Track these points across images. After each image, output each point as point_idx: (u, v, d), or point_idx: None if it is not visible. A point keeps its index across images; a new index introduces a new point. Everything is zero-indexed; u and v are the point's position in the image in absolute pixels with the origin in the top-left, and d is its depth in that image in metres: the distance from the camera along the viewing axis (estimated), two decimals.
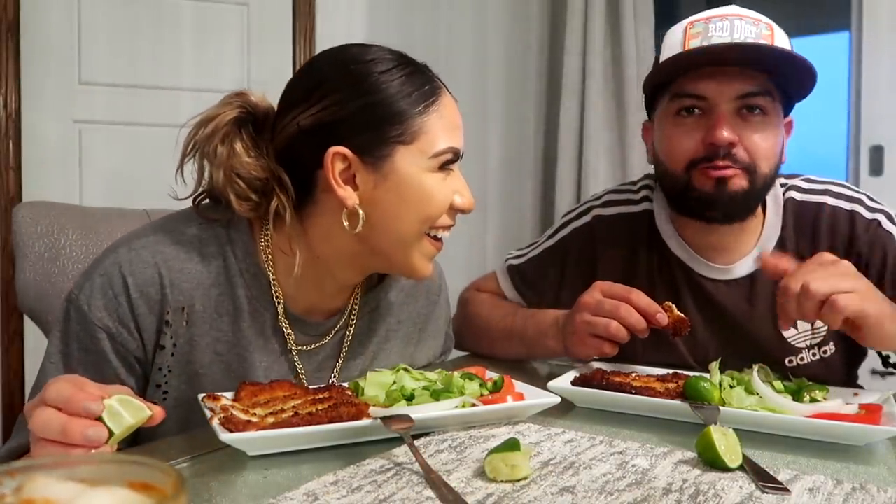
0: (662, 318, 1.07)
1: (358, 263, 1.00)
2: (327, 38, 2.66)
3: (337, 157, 0.92)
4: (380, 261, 1.00)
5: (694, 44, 1.13)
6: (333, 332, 1.06)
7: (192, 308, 0.95)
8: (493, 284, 1.45)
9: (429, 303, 1.19)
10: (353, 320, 1.08)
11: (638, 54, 2.67)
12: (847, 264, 0.99)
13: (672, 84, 1.17)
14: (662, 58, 1.19)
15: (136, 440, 0.89)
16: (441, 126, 0.95)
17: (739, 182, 1.13)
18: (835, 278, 0.95)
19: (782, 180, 1.27)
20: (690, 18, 1.18)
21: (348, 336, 1.07)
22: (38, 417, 0.70)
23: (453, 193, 0.99)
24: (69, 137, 2.30)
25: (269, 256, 0.99)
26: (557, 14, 2.87)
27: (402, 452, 0.79)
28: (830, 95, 2.51)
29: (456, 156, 0.98)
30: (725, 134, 1.11)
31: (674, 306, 1.07)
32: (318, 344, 1.04)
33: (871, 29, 2.41)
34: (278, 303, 0.99)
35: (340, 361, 1.07)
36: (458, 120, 0.99)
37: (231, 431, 0.77)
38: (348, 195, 0.93)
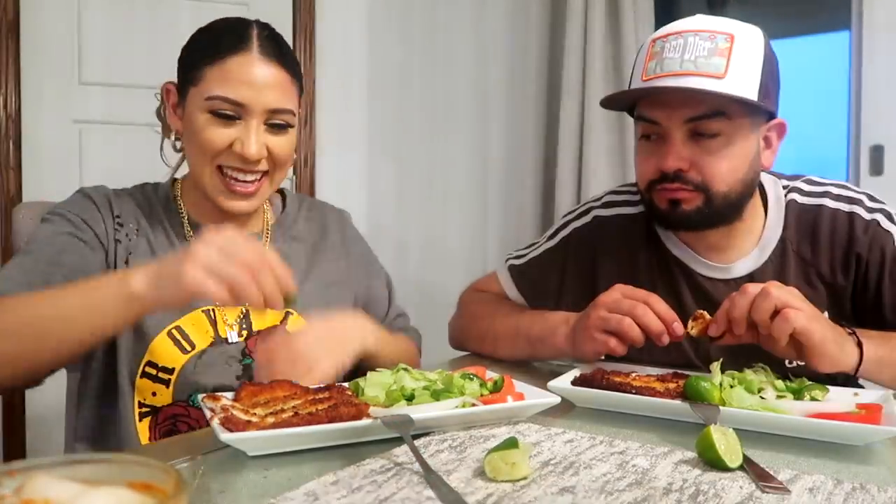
0: (679, 329, 1.07)
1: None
2: (327, 38, 2.66)
3: (170, 91, 1.17)
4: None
5: (651, 65, 1.15)
6: None
7: (137, 225, 1.16)
8: (494, 285, 1.45)
9: (342, 232, 1.34)
10: (267, 245, 1.22)
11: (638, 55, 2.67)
12: (798, 293, 1.01)
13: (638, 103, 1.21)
14: (634, 73, 1.21)
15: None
16: (217, 75, 1.08)
17: (693, 202, 1.16)
18: (791, 295, 1.00)
19: (784, 182, 1.27)
20: (657, 33, 1.19)
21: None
22: None
23: (232, 138, 1.09)
24: (69, 137, 2.30)
25: (180, 184, 1.23)
26: (557, 14, 2.87)
27: (402, 452, 0.79)
28: (830, 95, 2.51)
29: (231, 105, 1.07)
30: (671, 162, 1.14)
31: (706, 314, 1.07)
32: None
33: (870, 29, 2.40)
34: (182, 215, 1.19)
35: None
36: (245, 76, 1.08)
37: (231, 431, 0.77)
38: (174, 123, 1.17)
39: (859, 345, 1.03)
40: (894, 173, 2.38)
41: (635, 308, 1.07)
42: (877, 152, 2.41)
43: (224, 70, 1.07)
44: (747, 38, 1.13)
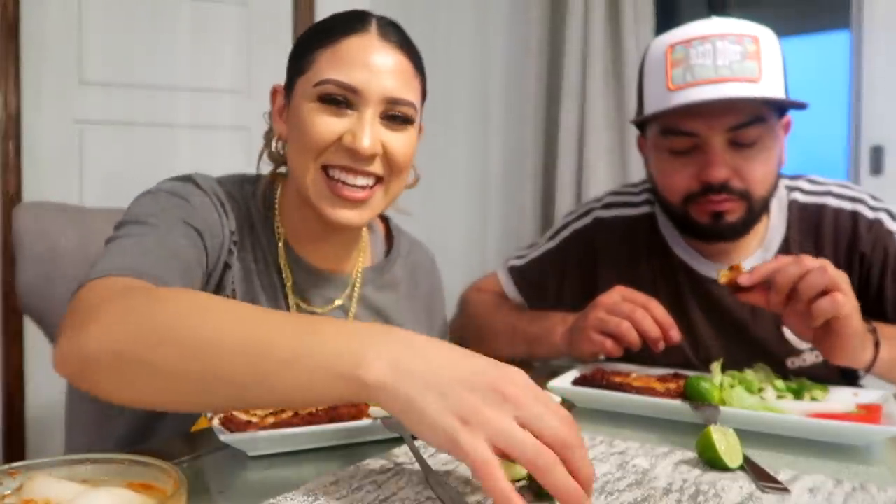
0: (676, 335, 1.06)
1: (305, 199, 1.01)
2: None
3: (277, 92, 1.03)
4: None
5: (677, 73, 1.11)
6: (332, 306, 1.07)
7: (240, 240, 1.01)
8: (494, 285, 1.45)
9: (430, 282, 1.23)
10: (356, 286, 1.09)
11: (638, 55, 2.67)
12: (848, 280, 0.97)
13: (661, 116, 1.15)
14: (647, 84, 1.17)
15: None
16: (330, 58, 0.93)
17: (737, 212, 1.14)
18: (844, 282, 0.95)
19: (787, 182, 1.27)
20: (670, 39, 1.15)
21: (351, 309, 1.08)
22: None
23: (342, 131, 0.93)
24: (69, 137, 2.29)
25: (279, 190, 1.06)
26: (557, 15, 2.87)
27: (402, 452, 0.79)
28: (830, 95, 2.51)
29: (344, 89, 0.92)
30: (719, 173, 1.10)
31: (742, 266, 1.03)
32: (319, 308, 1.05)
33: (870, 28, 2.40)
34: (278, 236, 1.04)
35: None
36: (362, 58, 0.92)
37: (231, 431, 0.77)
38: (279, 127, 1.03)
39: (877, 345, 1.02)
40: (894, 173, 2.38)
41: (634, 312, 1.07)
42: (877, 152, 2.41)
43: (337, 52, 0.93)
44: (768, 39, 1.13)
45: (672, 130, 1.14)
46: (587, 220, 1.37)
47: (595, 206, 1.38)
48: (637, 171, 2.66)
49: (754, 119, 1.11)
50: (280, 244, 1.03)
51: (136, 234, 0.87)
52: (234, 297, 0.98)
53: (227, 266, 0.98)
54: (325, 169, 0.95)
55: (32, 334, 2.11)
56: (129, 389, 0.68)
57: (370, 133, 0.92)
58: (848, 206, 1.21)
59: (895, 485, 0.73)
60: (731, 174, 1.11)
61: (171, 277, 0.82)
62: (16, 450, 2.18)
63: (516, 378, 0.61)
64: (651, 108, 1.16)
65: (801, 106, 1.13)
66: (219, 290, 0.98)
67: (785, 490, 0.71)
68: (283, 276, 1.03)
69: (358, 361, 0.61)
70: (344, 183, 0.94)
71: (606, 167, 2.70)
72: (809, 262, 0.96)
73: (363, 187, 0.95)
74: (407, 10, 2.79)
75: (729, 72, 1.09)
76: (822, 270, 0.94)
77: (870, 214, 1.20)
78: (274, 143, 1.06)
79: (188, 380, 0.65)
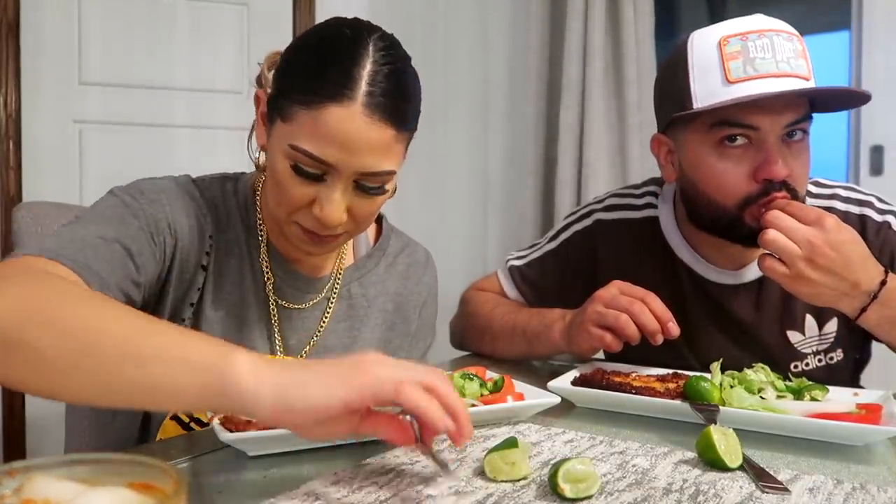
0: (674, 328, 1.06)
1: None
2: None
3: (260, 99, 0.98)
4: None
5: (735, 66, 1.08)
6: (313, 302, 1.07)
7: (217, 242, 1.01)
8: (494, 285, 1.45)
9: (425, 281, 1.19)
10: (336, 286, 1.09)
11: (638, 54, 2.67)
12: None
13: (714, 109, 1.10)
14: (695, 78, 1.12)
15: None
16: (308, 123, 0.88)
17: None
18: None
19: None
20: (720, 32, 1.11)
21: (330, 304, 1.09)
22: None
23: (313, 196, 0.91)
24: (69, 137, 2.29)
25: (260, 186, 1.06)
26: (557, 14, 2.87)
27: (402, 452, 0.79)
28: None
29: (317, 163, 0.89)
30: (782, 169, 1.07)
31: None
32: (298, 305, 1.06)
33: (870, 28, 2.40)
34: (261, 237, 1.04)
35: (323, 328, 1.08)
36: (340, 135, 0.87)
37: (231, 431, 0.77)
38: (259, 136, 0.99)
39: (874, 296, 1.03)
40: (894, 173, 2.38)
41: (632, 305, 1.07)
42: (877, 152, 2.41)
43: (317, 122, 0.87)
44: (803, 39, 1.13)
45: (730, 123, 1.09)
46: (588, 221, 1.37)
47: (596, 208, 1.38)
48: (637, 170, 2.66)
49: (806, 117, 1.11)
50: (263, 243, 1.04)
51: (77, 223, 0.89)
52: (201, 298, 0.99)
53: (202, 267, 0.99)
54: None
55: None
56: (9, 370, 0.69)
57: (337, 207, 0.91)
58: (855, 209, 1.21)
59: (895, 485, 0.73)
60: (788, 171, 1.09)
61: (98, 266, 0.83)
62: (16, 450, 2.18)
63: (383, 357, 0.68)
64: (705, 101, 1.10)
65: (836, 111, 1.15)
66: (190, 287, 0.98)
67: (785, 490, 0.71)
68: (266, 275, 1.04)
69: (225, 355, 0.65)
70: (314, 232, 0.95)
71: (606, 166, 2.70)
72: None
73: (332, 236, 0.96)
74: (407, 8, 2.79)
75: (788, 67, 1.07)
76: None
77: (878, 218, 1.20)
78: (255, 146, 1.03)
79: (60, 359, 0.66)
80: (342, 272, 1.11)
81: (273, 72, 0.96)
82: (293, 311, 1.06)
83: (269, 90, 0.95)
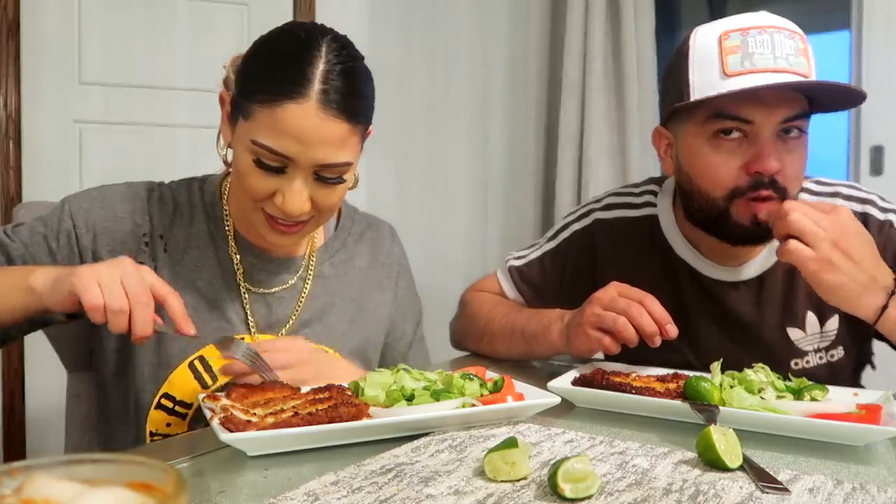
0: (672, 330, 1.06)
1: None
2: None
3: (224, 100, 1.05)
4: None
5: (733, 60, 1.08)
6: (290, 283, 1.14)
7: (169, 238, 1.10)
8: (494, 285, 1.45)
9: (394, 251, 1.27)
10: (311, 267, 1.16)
11: (638, 54, 2.67)
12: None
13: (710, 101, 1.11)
14: (694, 72, 1.12)
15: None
16: (267, 121, 0.96)
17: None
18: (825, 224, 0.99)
19: None
20: (721, 27, 1.11)
21: (307, 285, 1.15)
22: None
23: (276, 188, 0.99)
24: (69, 137, 2.30)
25: (227, 185, 1.15)
26: (557, 14, 2.87)
27: (402, 452, 0.79)
28: None
29: (277, 157, 0.96)
30: (773, 163, 1.07)
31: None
32: (272, 289, 1.13)
33: (870, 28, 2.40)
34: (227, 228, 1.12)
35: (300, 307, 1.13)
36: (298, 130, 0.95)
37: (231, 431, 0.77)
38: (225, 134, 1.06)
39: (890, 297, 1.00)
40: (894, 173, 2.38)
41: (630, 307, 1.07)
42: (877, 152, 2.41)
43: (275, 118, 0.94)
44: (806, 38, 1.13)
45: (725, 115, 1.10)
46: (587, 220, 1.37)
47: (595, 208, 1.38)
48: (637, 170, 2.66)
49: (803, 113, 1.10)
50: (230, 234, 1.12)
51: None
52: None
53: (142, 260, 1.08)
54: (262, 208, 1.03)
55: (32, 334, 2.10)
56: None
57: (298, 197, 0.99)
58: (857, 207, 1.20)
59: (895, 485, 0.73)
60: (780, 167, 1.09)
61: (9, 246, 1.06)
62: (16, 450, 2.18)
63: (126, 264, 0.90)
64: (701, 93, 1.11)
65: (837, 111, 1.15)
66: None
67: (785, 490, 0.70)
68: (234, 263, 1.11)
69: (33, 275, 0.92)
70: (279, 220, 1.02)
71: (606, 166, 2.70)
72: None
73: (297, 224, 1.03)
74: (407, 8, 2.79)
75: (787, 63, 1.07)
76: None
77: (880, 216, 1.19)
78: (222, 144, 1.09)
79: None
80: (314, 253, 1.18)
81: (237, 70, 1.03)
82: (267, 295, 1.12)
83: (232, 91, 1.02)
